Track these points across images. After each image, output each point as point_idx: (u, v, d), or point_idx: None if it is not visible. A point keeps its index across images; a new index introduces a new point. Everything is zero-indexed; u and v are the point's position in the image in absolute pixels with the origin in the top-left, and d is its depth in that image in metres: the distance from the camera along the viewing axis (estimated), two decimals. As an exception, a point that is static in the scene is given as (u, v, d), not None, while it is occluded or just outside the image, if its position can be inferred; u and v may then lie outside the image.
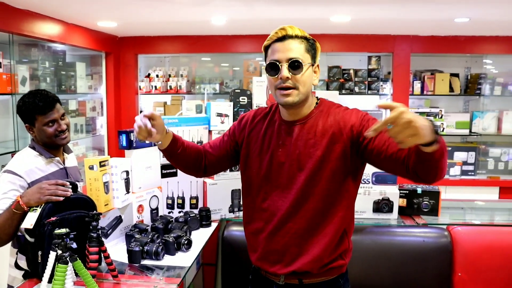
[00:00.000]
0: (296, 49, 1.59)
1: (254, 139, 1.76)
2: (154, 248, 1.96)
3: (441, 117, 4.95)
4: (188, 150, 1.82)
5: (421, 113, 4.94)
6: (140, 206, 2.26)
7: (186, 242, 2.07)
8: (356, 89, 4.94)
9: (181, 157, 1.82)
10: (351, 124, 1.60)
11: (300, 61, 1.58)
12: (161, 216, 2.33)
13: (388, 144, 1.49)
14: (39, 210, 1.72)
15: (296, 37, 1.60)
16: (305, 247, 1.64)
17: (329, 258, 1.65)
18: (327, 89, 4.89)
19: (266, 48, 1.67)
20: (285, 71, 1.57)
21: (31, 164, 2.01)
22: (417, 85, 4.92)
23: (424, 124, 1.22)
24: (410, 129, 1.19)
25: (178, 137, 1.81)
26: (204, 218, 2.39)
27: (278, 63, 1.59)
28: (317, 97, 1.73)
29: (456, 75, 4.99)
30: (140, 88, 5.15)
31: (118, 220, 2.13)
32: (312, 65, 1.64)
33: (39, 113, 2.01)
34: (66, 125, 2.09)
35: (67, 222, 1.72)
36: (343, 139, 1.59)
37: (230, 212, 2.53)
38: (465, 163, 4.92)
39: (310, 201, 1.62)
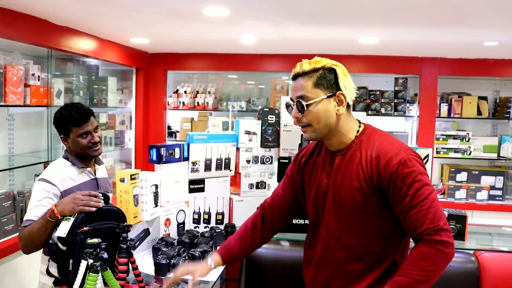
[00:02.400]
0: (302, 87, 1.56)
1: (305, 172, 1.75)
2: (180, 262, 1.99)
3: (468, 140, 4.89)
4: (245, 248, 1.81)
5: (448, 136, 4.90)
6: (168, 219, 2.31)
7: (211, 257, 2.09)
8: (383, 110, 4.93)
9: (242, 257, 1.92)
10: (379, 171, 1.51)
11: (304, 99, 1.55)
12: (187, 230, 2.37)
13: (403, 215, 1.49)
14: (72, 219, 1.78)
15: (304, 73, 1.56)
16: (348, 281, 1.61)
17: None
18: (353, 109, 4.86)
19: None
20: (294, 111, 1.59)
21: (64, 173, 2.08)
22: (444, 108, 4.88)
23: None
24: None
25: (229, 254, 1.79)
26: (229, 234, 2.41)
27: (291, 103, 1.61)
28: (359, 122, 1.66)
29: (485, 98, 4.93)
30: (168, 104, 5.26)
31: (146, 232, 2.17)
32: (331, 96, 1.56)
33: (74, 125, 2.09)
34: (99, 138, 2.16)
35: (98, 232, 1.77)
36: (375, 178, 1.52)
37: (254, 228, 2.55)
38: (492, 187, 4.83)
39: (347, 235, 1.58)
